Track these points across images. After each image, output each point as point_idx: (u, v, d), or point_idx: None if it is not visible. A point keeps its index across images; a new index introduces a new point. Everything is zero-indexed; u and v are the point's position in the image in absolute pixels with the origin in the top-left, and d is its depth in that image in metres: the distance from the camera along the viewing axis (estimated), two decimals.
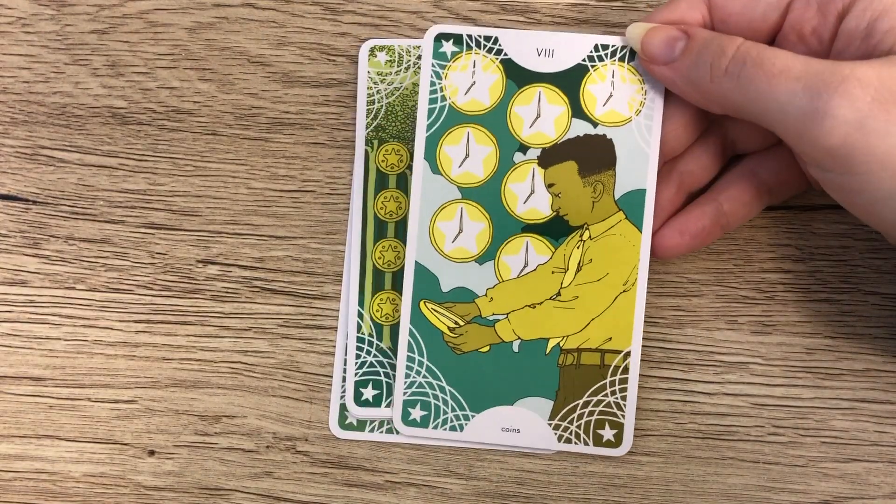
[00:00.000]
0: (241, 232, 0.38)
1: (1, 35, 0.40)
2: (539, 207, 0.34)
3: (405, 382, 0.35)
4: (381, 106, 0.38)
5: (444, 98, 0.35)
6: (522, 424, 0.34)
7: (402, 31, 0.39)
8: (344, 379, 0.37)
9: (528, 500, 0.36)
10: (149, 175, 0.39)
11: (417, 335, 0.35)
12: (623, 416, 0.34)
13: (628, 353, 0.34)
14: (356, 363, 0.37)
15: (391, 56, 0.39)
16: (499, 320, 0.34)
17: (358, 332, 0.37)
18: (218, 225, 0.38)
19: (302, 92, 0.39)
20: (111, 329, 0.38)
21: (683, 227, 0.34)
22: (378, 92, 0.38)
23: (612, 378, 0.34)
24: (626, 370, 0.34)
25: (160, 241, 0.38)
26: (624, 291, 0.34)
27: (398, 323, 0.37)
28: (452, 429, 0.34)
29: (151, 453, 0.37)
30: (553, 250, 0.34)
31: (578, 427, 0.34)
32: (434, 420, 0.35)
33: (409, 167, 0.38)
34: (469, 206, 0.35)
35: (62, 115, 0.39)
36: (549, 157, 0.34)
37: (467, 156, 0.34)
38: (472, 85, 0.34)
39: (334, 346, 0.38)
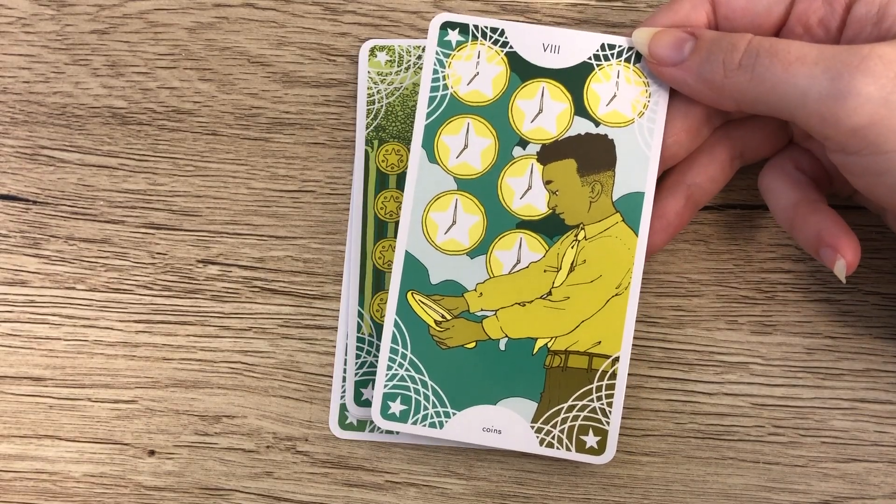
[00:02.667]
0: (241, 232, 0.38)
1: (1, 35, 0.40)
2: (535, 204, 0.34)
3: (386, 374, 0.34)
4: (381, 106, 0.38)
5: (446, 87, 0.34)
6: (504, 425, 0.33)
7: (402, 31, 0.39)
8: (344, 379, 0.37)
9: (528, 500, 0.36)
10: (149, 175, 0.39)
11: (403, 327, 0.34)
12: (608, 422, 0.33)
13: (617, 359, 0.33)
14: (356, 363, 0.37)
15: (391, 56, 0.39)
16: (487, 316, 0.34)
17: (358, 332, 0.37)
18: (218, 225, 0.38)
19: (302, 92, 0.39)
20: (111, 329, 0.38)
21: (661, 217, 0.34)
22: (378, 92, 0.38)
23: (599, 383, 0.33)
24: (613, 376, 0.33)
25: (160, 241, 0.38)
26: (616, 295, 0.33)
27: None
28: (432, 425, 0.33)
29: (151, 453, 0.37)
30: (547, 248, 0.34)
31: (562, 432, 0.33)
32: (414, 415, 0.34)
33: None
34: (464, 198, 0.34)
35: (62, 115, 0.39)
36: (549, 153, 0.34)
37: (466, 147, 0.34)
38: (475, 76, 0.34)
39: (334, 346, 0.38)
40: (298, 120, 0.39)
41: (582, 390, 0.33)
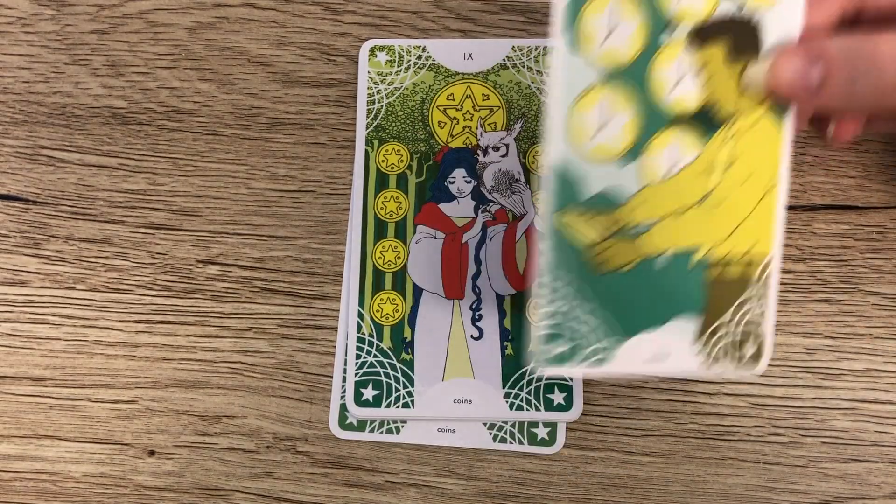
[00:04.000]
0: (241, 232, 0.38)
1: (1, 35, 0.40)
2: (687, 97, 0.30)
3: (546, 313, 0.30)
4: (381, 106, 0.38)
5: None
6: (669, 350, 0.31)
7: (402, 31, 0.39)
8: (344, 379, 0.37)
9: (528, 500, 0.36)
10: (149, 175, 0.39)
11: (556, 254, 0.30)
12: (764, 329, 0.31)
13: (770, 261, 0.31)
14: (356, 363, 0.37)
15: (391, 56, 0.39)
16: (643, 232, 0.30)
17: (358, 332, 0.37)
18: (218, 225, 0.38)
19: (302, 92, 0.39)
20: (111, 329, 0.38)
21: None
22: (378, 92, 0.38)
23: (755, 289, 0.31)
24: (767, 278, 0.31)
25: (160, 241, 0.38)
26: (767, 193, 0.31)
27: (398, 323, 0.37)
28: (597, 362, 0.30)
29: (151, 453, 0.37)
30: (701, 147, 0.30)
31: (724, 347, 0.31)
32: (578, 354, 0.30)
33: (409, 167, 0.38)
34: (612, 93, 0.30)
35: (62, 115, 0.39)
36: (699, 37, 0.30)
37: (611, 31, 0.29)
38: None
39: (334, 346, 0.38)
40: (298, 120, 0.39)
41: (740, 299, 0.31)
